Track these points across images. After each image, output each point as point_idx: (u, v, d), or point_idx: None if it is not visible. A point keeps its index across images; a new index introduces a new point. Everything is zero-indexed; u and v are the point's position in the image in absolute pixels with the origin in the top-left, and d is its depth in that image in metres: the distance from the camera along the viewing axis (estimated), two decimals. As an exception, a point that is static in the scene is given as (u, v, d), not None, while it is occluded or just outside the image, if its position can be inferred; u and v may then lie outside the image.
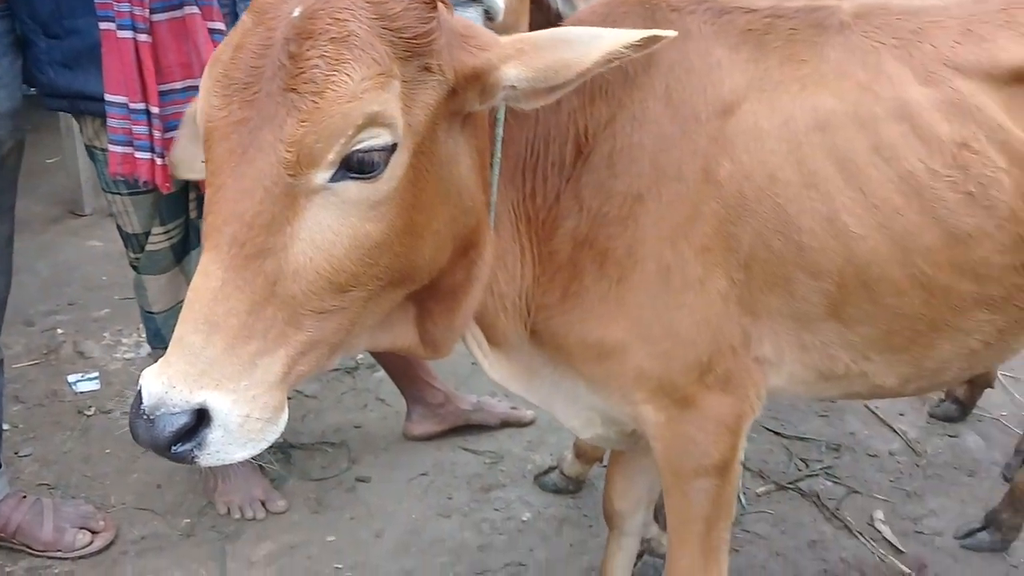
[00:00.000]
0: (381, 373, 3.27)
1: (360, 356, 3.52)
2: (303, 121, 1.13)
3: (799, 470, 3.04)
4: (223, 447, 1.16)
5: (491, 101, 1.30)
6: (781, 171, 1.56)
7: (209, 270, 1.15)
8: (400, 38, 1.18)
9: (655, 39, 1.29)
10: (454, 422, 3.17)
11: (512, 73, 1.26)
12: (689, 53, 1.59)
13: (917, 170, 1.57)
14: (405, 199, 1.23)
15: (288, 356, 1.20)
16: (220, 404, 1.14)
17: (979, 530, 2.70)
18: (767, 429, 3.22)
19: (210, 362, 1.13)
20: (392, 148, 1.19)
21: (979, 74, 1.61)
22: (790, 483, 2.97)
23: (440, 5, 1.22)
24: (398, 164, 1.20)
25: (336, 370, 3.52)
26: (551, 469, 2.98)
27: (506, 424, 3.22)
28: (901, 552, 2.69)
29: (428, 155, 1.25)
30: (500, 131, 1.47)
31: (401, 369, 3.07)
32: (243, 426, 1.16)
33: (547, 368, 1.75)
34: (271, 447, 1.22)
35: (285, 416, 1.23)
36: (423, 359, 1.55)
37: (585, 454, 2.85)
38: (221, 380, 1.14)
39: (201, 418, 1.14)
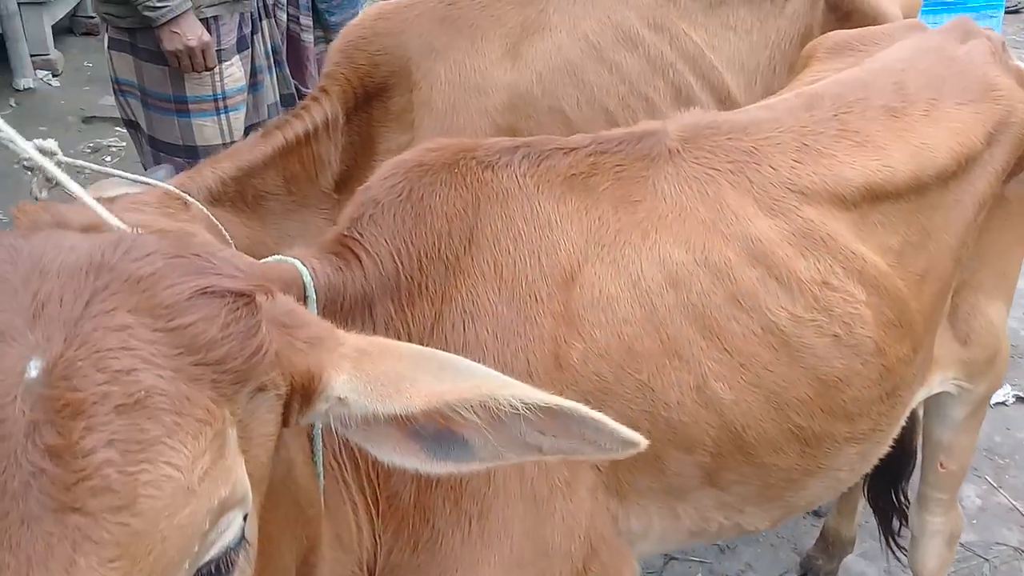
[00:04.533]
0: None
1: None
2: (111, 561, 0.69)
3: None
4: None
5: (310, 415, 0.88)
6: (639, 342, 1.33)
7: None
8: (224, 371, 0.77)
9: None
10: None
11: (342, 380, 0.86)
12: (514, 217, 1.31)
13: (780, 319, 1.40)
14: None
15: None
16: None
17: (798, 580, 2.69)
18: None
19: None
20: (244, 519, 0.80)
21: (826, 196, 1.46)
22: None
23: (257, 295, 0.83)
24: (252, 531, 0.82)
25: None
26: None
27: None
28: (733, 619, 2.63)
29: (271, 495, 0.89)
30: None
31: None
32: None
33: None
34: None
35: None
36: None
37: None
38: None
39: None
